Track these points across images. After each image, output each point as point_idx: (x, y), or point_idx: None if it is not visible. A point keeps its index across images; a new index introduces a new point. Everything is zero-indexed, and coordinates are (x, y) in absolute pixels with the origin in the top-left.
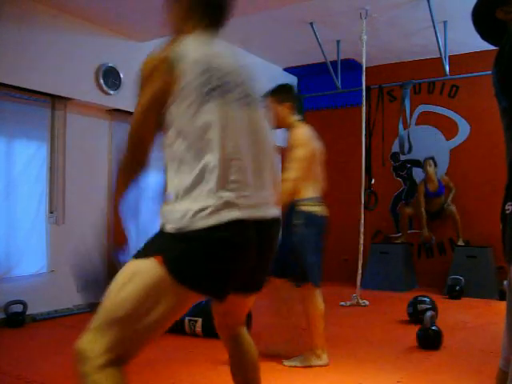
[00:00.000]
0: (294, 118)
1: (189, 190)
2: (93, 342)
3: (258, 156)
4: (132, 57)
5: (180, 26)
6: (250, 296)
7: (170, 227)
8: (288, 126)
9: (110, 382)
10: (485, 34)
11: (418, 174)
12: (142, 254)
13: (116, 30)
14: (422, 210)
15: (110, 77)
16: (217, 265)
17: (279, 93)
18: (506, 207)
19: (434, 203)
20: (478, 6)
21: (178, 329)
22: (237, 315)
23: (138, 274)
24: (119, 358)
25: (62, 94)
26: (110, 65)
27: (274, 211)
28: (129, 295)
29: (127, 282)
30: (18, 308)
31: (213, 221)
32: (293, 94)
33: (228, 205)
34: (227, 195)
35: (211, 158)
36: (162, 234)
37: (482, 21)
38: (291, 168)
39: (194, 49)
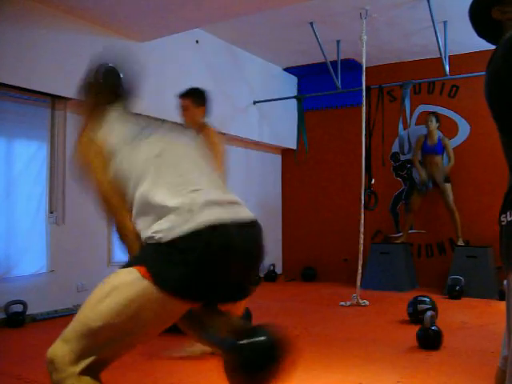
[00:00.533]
0: (206, 120)
1: None
2: (63, 352)
3: None
4: (132, 57)
5: (94, 112)
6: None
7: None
8: (199, 127)
9: None
10: (482, 33)
11: (418, 173)
12: (122, 266)
13: (116, 30)
14: (417, 163)
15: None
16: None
17: (197, 96)
18: (502, 218)
19: (431, 162)
20: (473, 4)
21: (177, 329)
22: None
23: (117, 287)
24: (91, 368)
25: (62, 94)
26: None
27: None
28: (107, 307)
29: (106, 295)
30: (18, 308)
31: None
32: (207, 98)
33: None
34: None
35: None
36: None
37: (479, 19)
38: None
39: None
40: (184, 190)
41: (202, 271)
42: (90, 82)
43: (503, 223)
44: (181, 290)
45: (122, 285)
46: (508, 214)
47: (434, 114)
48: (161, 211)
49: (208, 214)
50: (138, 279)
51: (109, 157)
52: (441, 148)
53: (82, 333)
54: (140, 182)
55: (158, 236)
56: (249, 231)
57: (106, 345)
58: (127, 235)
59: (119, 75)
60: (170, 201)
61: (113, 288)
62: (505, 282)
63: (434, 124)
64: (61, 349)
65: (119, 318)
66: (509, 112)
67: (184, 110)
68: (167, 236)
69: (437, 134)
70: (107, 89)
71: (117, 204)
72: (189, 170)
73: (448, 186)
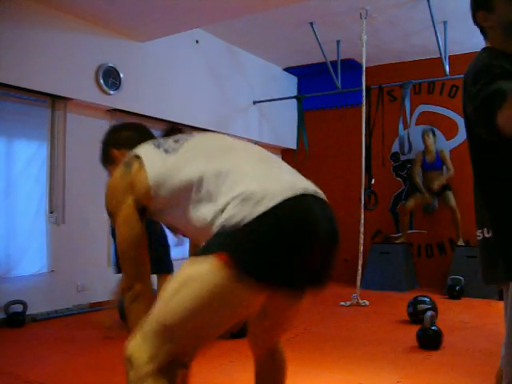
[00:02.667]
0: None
1: None
2: (140, 349)
3: None
4: (132, 57)
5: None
6: (302, 297)
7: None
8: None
9: None
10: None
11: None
12: (197, 254)
13: (116, 30)
14: (417, 179)
15: (110, 77)
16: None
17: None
18: (478, 233)
19: (431, 177)
20: (470, 1)
21: None
22: (280, 325)
23: (194, 278)
24: (169, 366)
25: (62, 94)
26: (109, 65)
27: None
28: (183, 301)
29: (181, 287)
30: (18, 308)
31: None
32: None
33: None
34: None
35: None
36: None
37: (473, 19)
38: None
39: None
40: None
41: (279, 251)
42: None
43: (479, 238)
44: (265, 273)
45: (199, 275)
46: (485, 230)
47: (431, 129)
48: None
49: (281, 193)
50: (218, 267)
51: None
52: (440, 162)
53: (158, 329)
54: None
55: (234, 220)
56: (325, 208)
57: (183, 341)
58: (135, 302)
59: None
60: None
61: (188, 279)
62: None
63: (431, 139)
64: (138, 346)
65: (196, 312)
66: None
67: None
68: (243, 220)
69: (434, 149)
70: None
71: (135, 261)
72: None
73: (449, 192)
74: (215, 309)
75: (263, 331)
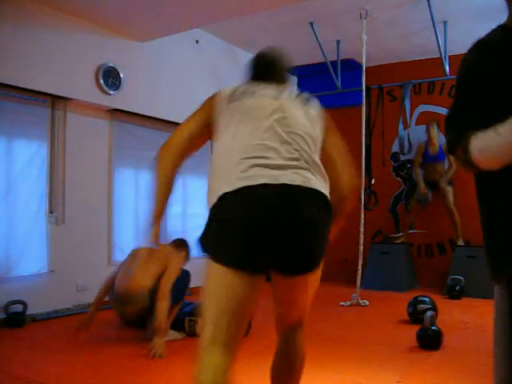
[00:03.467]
0: None
1: None
2: (202, 333)
3: None
4: (132, 57)
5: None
6: (290, 278)
7: None
8: None
9: (206, 363)
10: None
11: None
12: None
13: (116, 30)
14: (417, 170)
15: (110, 77)
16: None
17: None
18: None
19: (432, 170)
20: None
21: (177, 329)
22: (288, 310)
23: (206, 272)
24: (218, 347)
25: (62, 94)
26: (109, 65)
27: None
28: (205, 292)
29: (204, 282)
30: (18, 308)
31: None
32: None
33: None
34: None
35: None
36: None
37: None
38: None
39: None
40: None
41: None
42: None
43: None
44: (233, 260)
45: (207, 270)
46: None
47: (436, 120)
48: None
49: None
50: (208, 263)
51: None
52: (443, 155)
53: (204, 318)
54: None
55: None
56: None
57: (219, 326)
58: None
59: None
60: None
61: (206, 272)
62: None
63: (435, 132)
64: (202, 330)
65: (213, 301)
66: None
67: None
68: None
69: (438, 142)
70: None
71: (175, 145)
72: None
73: (450, 188)
74: (221, 296)
75: (279, 317)
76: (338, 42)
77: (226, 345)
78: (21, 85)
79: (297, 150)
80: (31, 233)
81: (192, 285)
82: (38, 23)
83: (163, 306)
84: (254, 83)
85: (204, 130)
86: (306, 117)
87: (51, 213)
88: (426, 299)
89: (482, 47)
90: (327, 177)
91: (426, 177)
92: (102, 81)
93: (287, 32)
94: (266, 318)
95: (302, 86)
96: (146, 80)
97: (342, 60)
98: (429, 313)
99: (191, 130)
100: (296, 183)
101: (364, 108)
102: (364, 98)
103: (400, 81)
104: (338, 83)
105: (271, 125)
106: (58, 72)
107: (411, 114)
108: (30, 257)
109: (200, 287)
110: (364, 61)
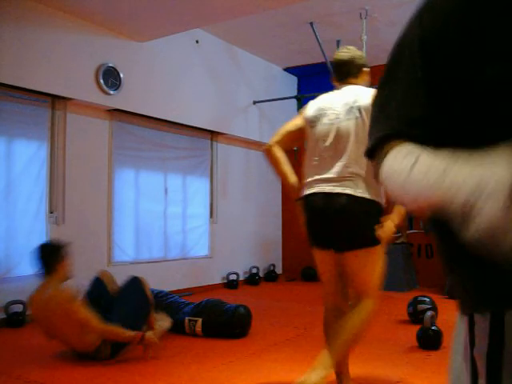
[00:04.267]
0: None
1: None
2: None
3: None
4: (132, 57)
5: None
6: (341, 254)
7: None
8: None
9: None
10: None
11: None
12: None
13: (116, 30)
14: None
15: (110, 77)
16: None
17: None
18: None
19: None
20: None
21: (177, 329)
22: (349, 281)
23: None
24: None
25: (62, 94)
26: (109, 65)
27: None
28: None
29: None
30: (18, 308)
31: None
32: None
33: None
34: None
35: None
36: None
37: None
38: None
39: None
40: None
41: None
42: None
43: None
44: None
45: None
46: None
47: None
48: None
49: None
50: None
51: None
52: None
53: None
54: None
55: None
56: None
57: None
58: None
59: None
60: None
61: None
62: None
63: None
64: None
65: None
66: None
67: None
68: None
69: None
70: None
71: None
72: None
73: None
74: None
75: (349, 287)
76: (338, 41)
77: (332, 292)
78: (21, 85)
79: (337, 162)
80: (31, 233)
81: (192, 285)
82: (38, 23)
83: (107, 331)
84: (328, 99)
85: (298, 131)
86: (356, 127)
87: (51, 213)
88: (426, 299)
89: None
90: (371, 180)
91: None
92: (102, 81)
93: (287, 32)
94: (266, 319)
95: (302, 86)
96: (146, 80)
97: None
98: (429, 313)
99: (289, 128)
100: (335, 191)
101: None
102: None
103: None
104: None
105: (324, 155)
106: (58, 72)
107: None
108: (30, 257)
109: (199, 287)
110: None
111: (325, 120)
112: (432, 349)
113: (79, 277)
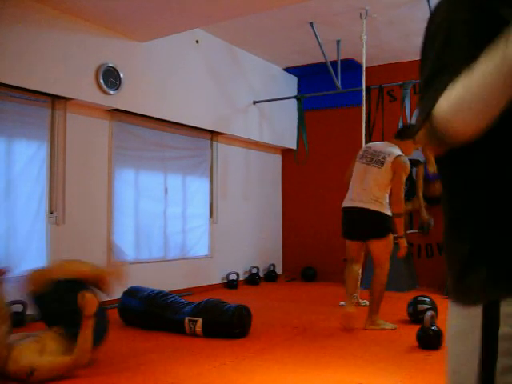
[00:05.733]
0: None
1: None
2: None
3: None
4: (132, 57)
5: None
6: (366, 242)
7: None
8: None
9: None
10: None
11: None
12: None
13: (116, 30)
14: (420, 194)
15: (110, 77)
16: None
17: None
18: None
19: (433, 188)
20: None
21: (177, 329)
22: (372, 256)
23: None
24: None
25: (62, 94)
26: (110, 65)
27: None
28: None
29: None
30: (18, 308)
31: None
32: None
33: None
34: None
35: None
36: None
37: None
38: None
39: None
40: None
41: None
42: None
43: None
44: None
45: None
46: None
47: None
48: None
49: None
50: None
51: None
52: None
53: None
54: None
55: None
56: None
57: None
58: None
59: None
60: None
61: None
62: None
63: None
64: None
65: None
66: None
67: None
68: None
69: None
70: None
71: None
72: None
73: None
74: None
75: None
76: (338, 41)
77: (353, 256)
78: (21, 85)
79: (364, 190)
80: (31, 233)
81: (192, 285)
82: (38, 23)
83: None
84: (372, 145)
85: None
86: (378, 172)
87: (51, 213)
88: (426, 299)
89: None
90: (384, 201)
91: (426, 192)
92: (102, 81)
93: (287, 32)
94: (266, 319)
95: (302, 86)
96: (145, 80)
97: (342, 60)
98: (429, 313)
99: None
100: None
101: (364, 108)
102: (364, 98)
103: (400, 81)
104: (338, 83)
105: (359, 183)
106: (58, 72)
107: (411, 114)
108: (30, 257)
109: (199, 287)
110: (364, 61)
111: (363, 160)
112: (432, 349)
113: None
